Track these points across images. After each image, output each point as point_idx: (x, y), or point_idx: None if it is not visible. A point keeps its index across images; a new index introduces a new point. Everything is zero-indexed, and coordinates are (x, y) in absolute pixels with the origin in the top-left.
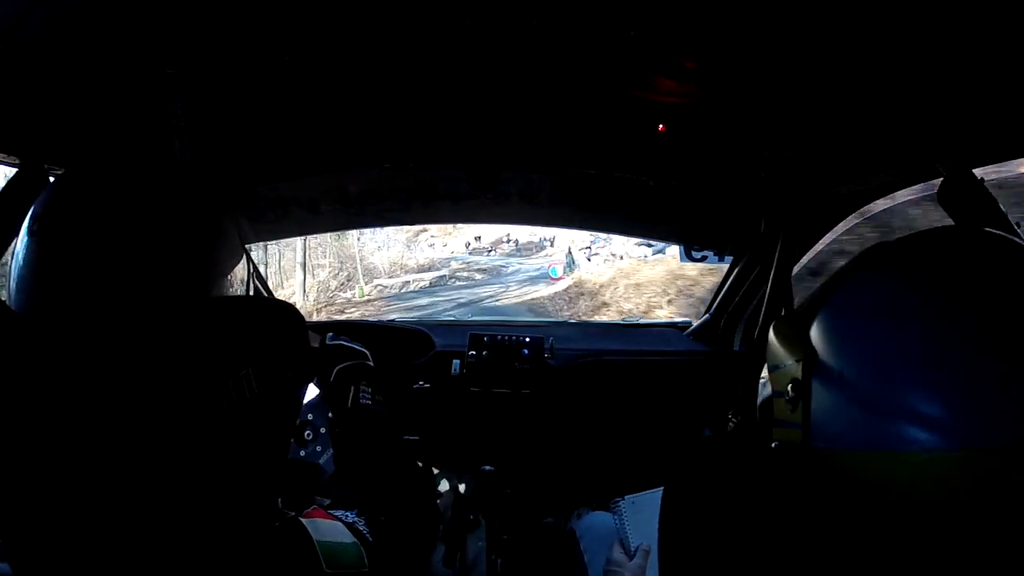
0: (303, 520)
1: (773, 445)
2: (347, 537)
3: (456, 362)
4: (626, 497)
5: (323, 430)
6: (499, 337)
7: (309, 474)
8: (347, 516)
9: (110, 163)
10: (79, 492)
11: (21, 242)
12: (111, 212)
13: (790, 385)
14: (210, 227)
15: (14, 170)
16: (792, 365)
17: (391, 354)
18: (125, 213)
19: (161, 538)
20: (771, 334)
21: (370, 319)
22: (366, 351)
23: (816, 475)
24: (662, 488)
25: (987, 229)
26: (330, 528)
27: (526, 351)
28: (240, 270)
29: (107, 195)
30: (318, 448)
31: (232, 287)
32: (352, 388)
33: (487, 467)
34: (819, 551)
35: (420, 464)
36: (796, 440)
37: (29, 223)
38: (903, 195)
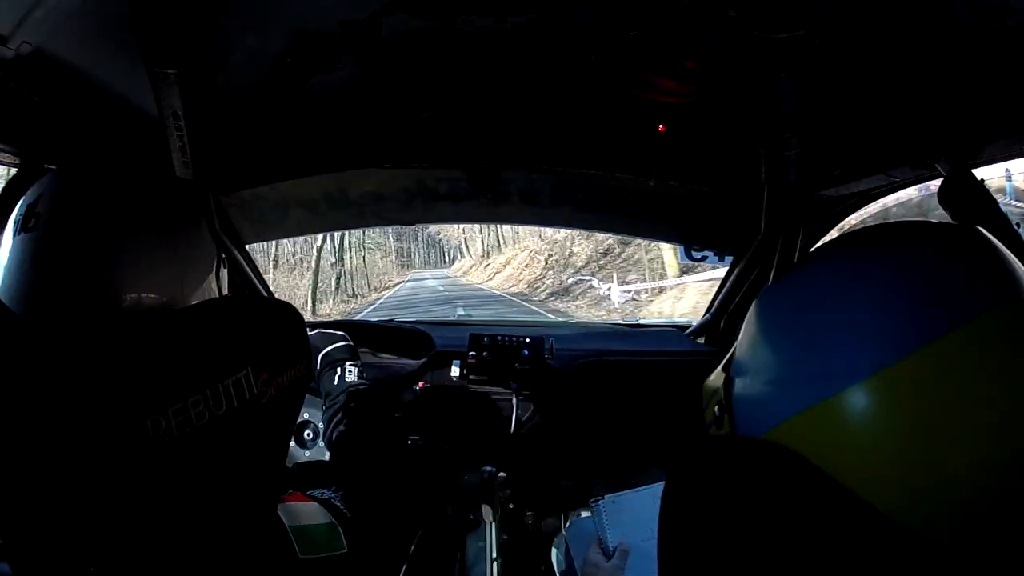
0: (278, 508)
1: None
2: (323, 518)
3: (456, 362)
4: (606, 496)
5: (321, 425)
6: (499, 338)
7: (311, 474)
8: (323, 494)
9: (85, 165)
10: (76, 493)
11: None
12: (90, 214)
13: (716, 407)
14: (183, 229)
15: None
16: (717, 387)
17: (391, 354)
18: (103, 217)
19: (161, 538)
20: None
21: (370, 319)
22: (345, 334)
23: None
24: (642, 488)
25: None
26: (304, 511)
27: (526, 352)
28: (213, 273)
29: (82, 197)
30: (321, 444)
31: (210, 290)
32: (339, 368)
33: (487, 468)
34: (817, 551)
35: (411, 439)
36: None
37: (12, 222)
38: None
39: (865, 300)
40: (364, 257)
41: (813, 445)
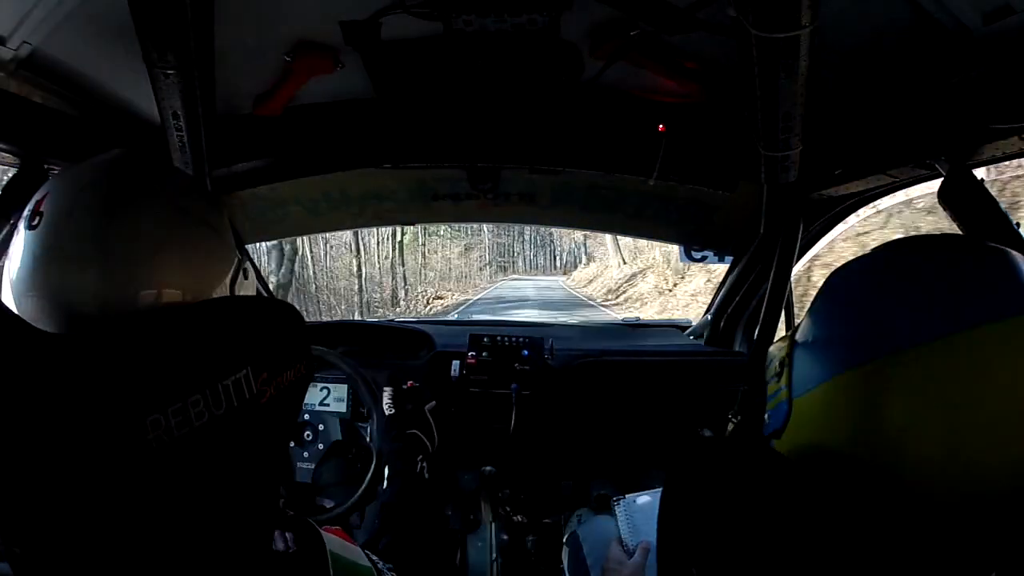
0: (320, 529)
1: (767, 414)
2: (363, 560)
3: (456, 363)
4: (627, 496)
5: (321, 446)
6: (499, 338)
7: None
8: (377, 562)
9: (91, 163)
10: (75, 491)
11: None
12: (91, 211)
13: (778, 363)
14: (201, 225)
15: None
16: (782, 348)
17: (391, 354)
18: (109, 211)
19: (160, 539)
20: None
21: (369, 319)
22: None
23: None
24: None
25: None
26: (346, 547)
27: (526, 352)
28: (234, 272)
29: (84, 193)
30: (305, 454)
31: (230, 288)
32: (417, 461)
33: (488, 468)
34: (818, 551)
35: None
36: (783, 399)
37: (22, 218)
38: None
39: (922, 278)
40: (417, 252)
41: (845, 405)
